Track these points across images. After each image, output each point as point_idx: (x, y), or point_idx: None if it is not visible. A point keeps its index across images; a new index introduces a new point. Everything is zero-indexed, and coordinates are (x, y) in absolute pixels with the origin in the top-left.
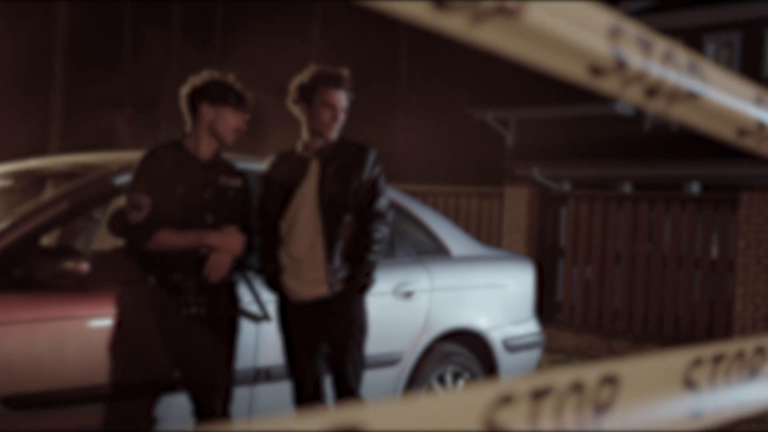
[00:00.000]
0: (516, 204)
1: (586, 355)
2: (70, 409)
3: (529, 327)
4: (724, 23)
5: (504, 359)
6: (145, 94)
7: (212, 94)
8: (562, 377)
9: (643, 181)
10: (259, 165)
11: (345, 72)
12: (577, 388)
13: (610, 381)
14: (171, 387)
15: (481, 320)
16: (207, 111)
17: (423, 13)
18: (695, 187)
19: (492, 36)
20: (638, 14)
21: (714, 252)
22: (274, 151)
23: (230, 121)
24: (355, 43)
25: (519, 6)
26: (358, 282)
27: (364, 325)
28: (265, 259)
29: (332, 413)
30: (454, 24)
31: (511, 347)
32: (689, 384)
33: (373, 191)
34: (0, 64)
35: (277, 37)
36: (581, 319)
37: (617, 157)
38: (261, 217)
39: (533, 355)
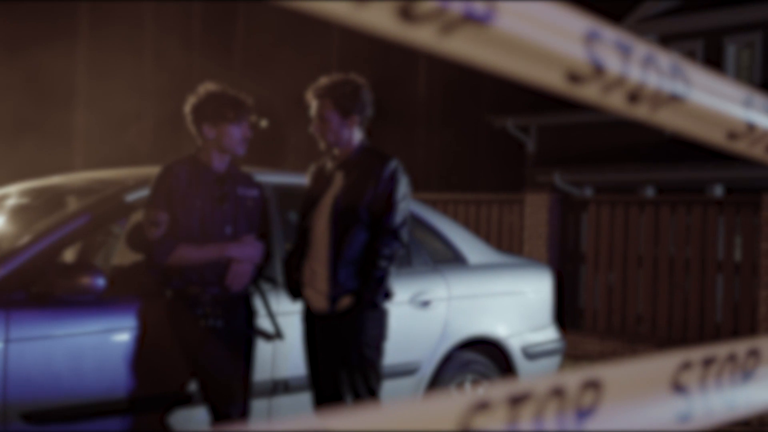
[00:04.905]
0: (536, 210)
1: (611, 360)
2: (88, 423)
3: (548, 334)
4: (744, 24)
5: (523, 366)
6: (166, 109)
7: (209, 113)
8: (542, 383)
9: (666, 184)
10: (274, 177)
11: (322, 81)
12: (557, 393)
13: (593, 385)
14: (189, 399)
15: (499, 328)
16: (209, 130)
17: (390, 26)
18: (718, 190)
19: (463, 46)
20: (657, 17)
21: (737, 255)
22: (293, 162)
23: (234, 134)
24: (374, 53)
25: (488, 12)
26: (364, 297)
27: (375, 340)
28: (290, 268)
29: (306, 419)
30: (423, 36)
31: (531, 354)
32: (678, 387)
33: (387, 205)
34: (22, 82)
35: (297, 49)
36: (605, 324)
37: (639, 161)
38: (297, 226)
39: (553, 362)
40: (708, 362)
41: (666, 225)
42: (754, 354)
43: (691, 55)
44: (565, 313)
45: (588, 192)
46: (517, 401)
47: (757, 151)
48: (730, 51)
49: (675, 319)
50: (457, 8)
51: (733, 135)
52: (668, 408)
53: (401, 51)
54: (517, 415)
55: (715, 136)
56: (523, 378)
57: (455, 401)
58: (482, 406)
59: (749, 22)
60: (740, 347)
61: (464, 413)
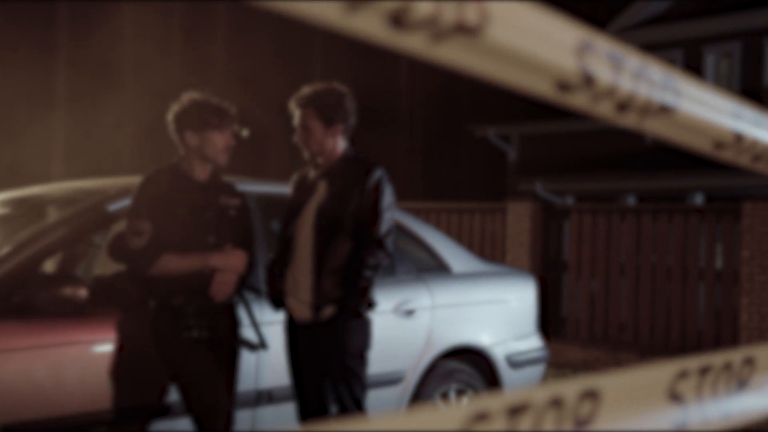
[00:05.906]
0: (519, 219)
1: (594, 368)
2: None
3: (532, 342)
4: (723, 34)
5: (508, 375)
6: (147, 118)
7: (193, 120)
8: (540, 393)
9: (647, 193)
10: (257, 186)
11: (305, 90)
12: (556, 403)
13: (591, 395)
14: (171, 410)
15: (483, 337)
16: (192, 138)
17: (379, 33)
18: (699, 198)
19: (453, 54)
20: (638, 27)
21: (718, 262)
22: (275, 172)
23: (217, 142)
24: (356, 61)
25: (480, 25)
26: (348, 307)
27: (359, 350)
28: (272, 277)
29: (302, 430)
30: (413, 43)
31: (515, 363)
32: (674, 397)
33: (372, 214)
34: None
35: (278, 56)
36: (587, 332)
37: (620, 170)
38: (279, 235)
39: (537, 371)
40: (704, 371)
41: (647, 233)
42: (749, 362)
43: (671, 64)
44: (548, 321)
45: (569, 201)
46: (515, 412)
47: (743, 160)
48: (710, 60)
49: (657, 326)
50: (449, 17)
51: (720, 144)
52: (665, 417)
53: (384, 59)
54: (515, 425)
55: (702, 145)
56: (507, 387)
57: (454, 412)
58: (481, 417)
59: (728, 31)
60: (736, 356)
61: (463, 424)
